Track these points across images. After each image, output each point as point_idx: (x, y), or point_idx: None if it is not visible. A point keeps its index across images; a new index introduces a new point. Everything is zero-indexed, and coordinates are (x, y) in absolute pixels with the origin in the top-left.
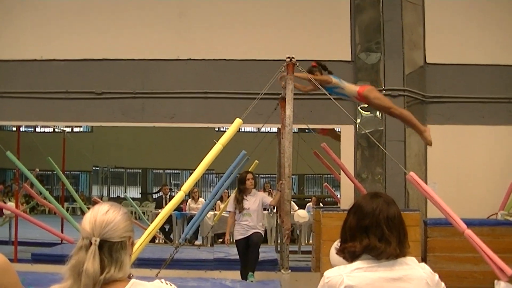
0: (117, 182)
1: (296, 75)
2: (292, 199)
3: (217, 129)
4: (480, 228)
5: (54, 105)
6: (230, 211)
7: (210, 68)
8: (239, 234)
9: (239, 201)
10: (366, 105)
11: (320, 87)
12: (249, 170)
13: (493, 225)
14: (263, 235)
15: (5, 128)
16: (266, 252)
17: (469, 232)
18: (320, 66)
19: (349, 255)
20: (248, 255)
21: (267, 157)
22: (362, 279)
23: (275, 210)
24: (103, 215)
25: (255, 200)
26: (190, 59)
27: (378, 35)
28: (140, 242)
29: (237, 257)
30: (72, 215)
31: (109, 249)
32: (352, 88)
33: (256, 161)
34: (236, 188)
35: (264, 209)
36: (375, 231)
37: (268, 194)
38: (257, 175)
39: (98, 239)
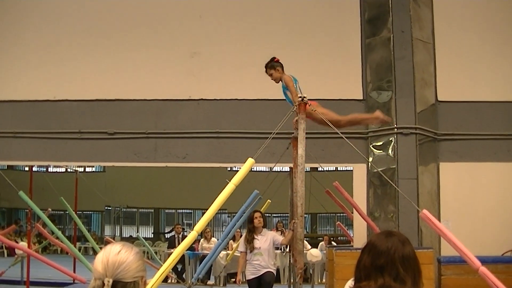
0: (130, 222)
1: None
2: (305, 238)
3: (229, 169)
4: (495, 266)
5: (66, 145)
6: (241, 251)
7: (222, 108)
8: (251, 273)
9: (249, 241)
10: (379, 144)
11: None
12: (262, 209)
13: (507, 263)
14: (275, 274)
15: (18, 168)
16: None
17: (483, 269)
18: (280, 63)
19: None
20: None
21: (280, 196)
22: None
23: (287, 249)
24: (115, 256)
25: (266, 239)
26: (202, 99)
27: (389, 73)
28: (153, 282)
29: None
30: (84, 254)
31: None
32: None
33: (268, 200)
34: (246, 228)
35: (277, 248)
36: (390, 271)
37: (281, 234)
38: (270, 215)
39: (111, 279)
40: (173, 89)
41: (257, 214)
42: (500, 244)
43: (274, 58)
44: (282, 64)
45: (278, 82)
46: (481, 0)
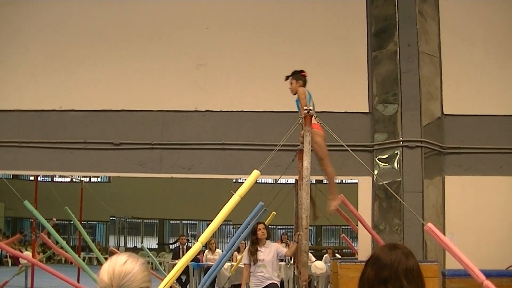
0: (134, 233)
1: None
2: (310, 250)
3: (234, 180)
4: (499, 279)
5: (72, 155)
6: (245, 264)
7: (228, 119)
8: (255, 285)
9: (253, 253)
10: (384, 156)
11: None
12: (266, 221)
13: None
14: (279, 285)
15: (23, 177)
16: None
17: (488, 283)
18: (305, 78)
19: None
20: None
21: (285, 208)
22: None
23: (292, 261)
24: (121, 266)
25: (269, 251)
26: (208, 111)
27: (395, 86)
28: None
29: None
30: (88, 265)
31: None
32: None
33: (273, 212)
34: (249, 240)
35: (281, 260)
36: (394, 284)
37: (286, 246)
38: (275, 226)
39: None
40: (179, 100)
41: (260, 226)
42: (504, 257)
43: (302, 71)
44: (306, 80)
45: (294, 94)
46: (488, 14)
